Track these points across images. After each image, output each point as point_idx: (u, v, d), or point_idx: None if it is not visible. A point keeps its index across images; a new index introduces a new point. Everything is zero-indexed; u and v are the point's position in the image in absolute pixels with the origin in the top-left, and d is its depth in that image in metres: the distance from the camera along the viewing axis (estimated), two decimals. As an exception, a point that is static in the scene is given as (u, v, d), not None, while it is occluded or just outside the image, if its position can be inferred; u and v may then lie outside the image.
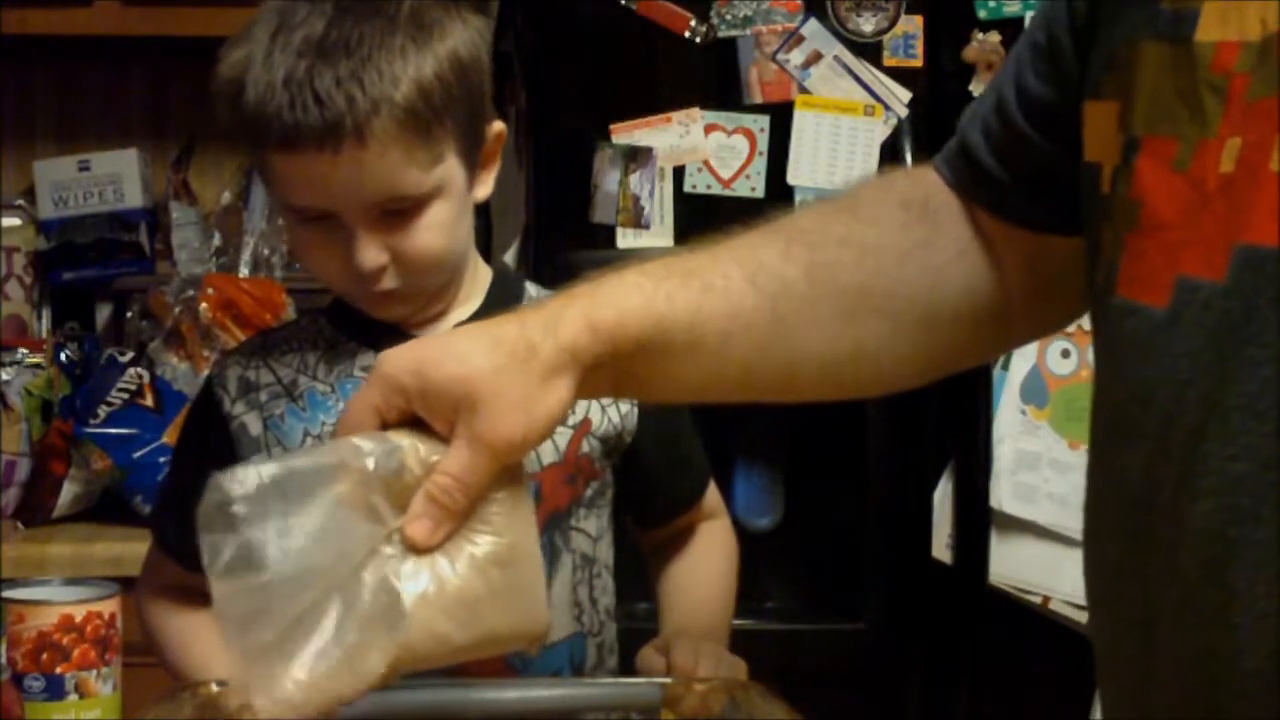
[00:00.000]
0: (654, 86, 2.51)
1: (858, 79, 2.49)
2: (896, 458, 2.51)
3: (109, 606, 1.33)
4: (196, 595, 1.46)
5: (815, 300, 1.08)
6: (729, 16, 2.48)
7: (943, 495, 2.48)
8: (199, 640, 1.44)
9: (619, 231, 2.47)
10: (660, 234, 2.47)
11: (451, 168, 1.35)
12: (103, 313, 2.84)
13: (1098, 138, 0.97)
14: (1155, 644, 0.91)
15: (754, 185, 2.49)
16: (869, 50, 2.49)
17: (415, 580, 1.00)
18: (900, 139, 2.48)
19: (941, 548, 2.49)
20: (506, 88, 2.46)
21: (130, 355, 2.54)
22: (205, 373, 1.67)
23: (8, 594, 1.33)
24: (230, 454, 1.40)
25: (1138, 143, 0.93)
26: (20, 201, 2.85)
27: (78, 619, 1.31)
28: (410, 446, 1.01)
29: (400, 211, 1.33)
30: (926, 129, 2.49)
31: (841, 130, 2.49)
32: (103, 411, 2.45)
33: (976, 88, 2.49)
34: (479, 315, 1.43)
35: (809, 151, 2.48)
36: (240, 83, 1.31)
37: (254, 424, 1.40)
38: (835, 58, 2.49)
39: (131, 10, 2.64)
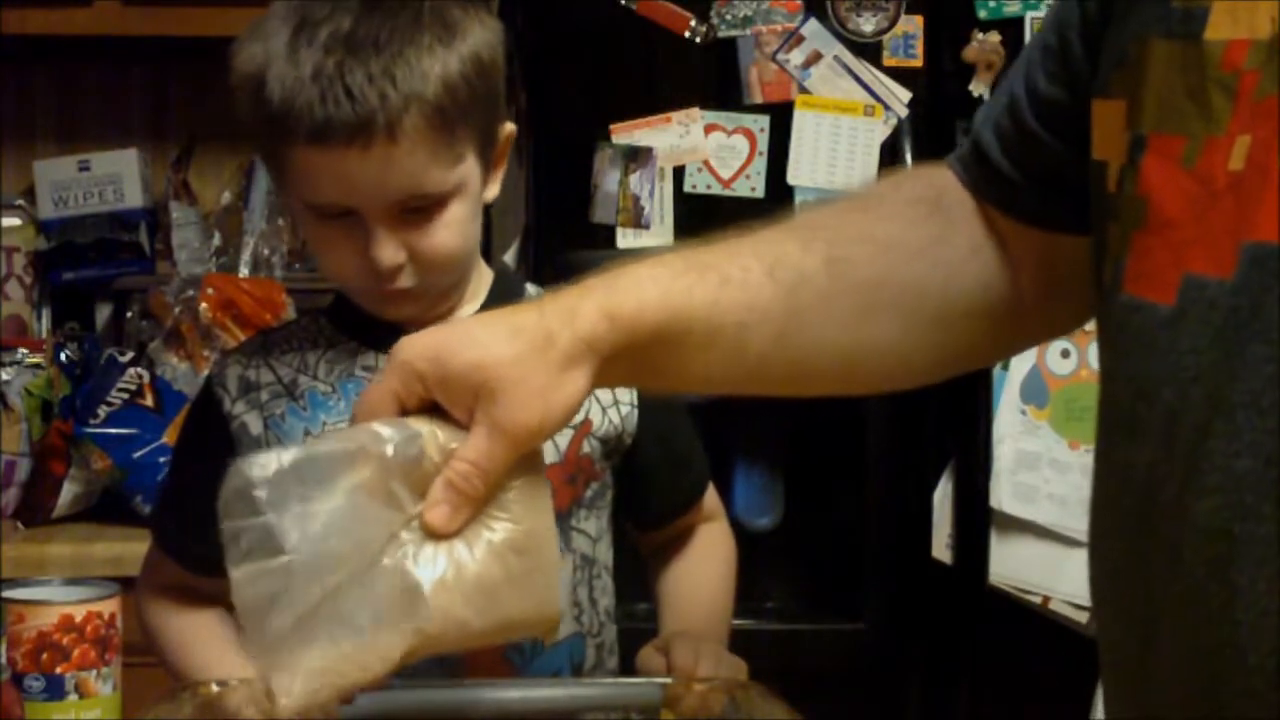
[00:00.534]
0: (654, 86, 2.51)
1: (858, 79, 2.49)
2: (896, 458, 2.51)
3: (109, 606, 1.33)
4: (196, 595, 1.46)
5: (832, 294, 1.08)
6: (729, 16, 2.48)
7: (943, 495, 2.49)
8: (199, 640, 1.44)
9: (619, 231, 2.47)
10: (660, 234, 2.47)
11: (470, 167, 1.35)
12: (103, 313, 2.84)
13: (1105, 136, 0.98)
14: (1158, 641, 0.92)
15: (754, 185, 2.49)
16: (869, 50, 2.49)
17: (433, 566, 1.01)
18: (900, 139, 2.48)
19: (941, 548, 2.49)
20: (507, 88, 2.46)
21: (130, 355, 2.54)
22: (205, 373, 1.67)
23: (8, 594, 1.33)
24: (231, 453, 1.39)
25: (1145, 141, 0.93)
26: (20, 201, 2.84)
27: (78, 619, 1.31)
28: (429, 433, 1.01)
29: (420, 210, 1.33)
30: (926, 129, 2.49)
31: (841, 130, 2.49)
32: (103, 411, 2.45)
33: (976, 88, 2.50)
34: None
35: (809, 151, 2.48)
36: (261, 77, 1.31)
37: (254, 423, 1.40)
38: (835, 58, 2.49)
39: (131, 10, 2.64)
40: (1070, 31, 1.03)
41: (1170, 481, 0.89)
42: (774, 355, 1.08)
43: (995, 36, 2.50)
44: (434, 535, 1.01)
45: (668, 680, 1.26)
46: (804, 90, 2.48)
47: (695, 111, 2.48)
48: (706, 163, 2.48)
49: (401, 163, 1.30)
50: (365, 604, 0.99)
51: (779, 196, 2.48)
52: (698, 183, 2.48)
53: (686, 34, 2.48)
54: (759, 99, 2.49)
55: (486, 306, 1.44)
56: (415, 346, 1.02)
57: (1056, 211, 1.06)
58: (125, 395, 2.46)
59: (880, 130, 2.49)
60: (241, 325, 2.51)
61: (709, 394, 1.13)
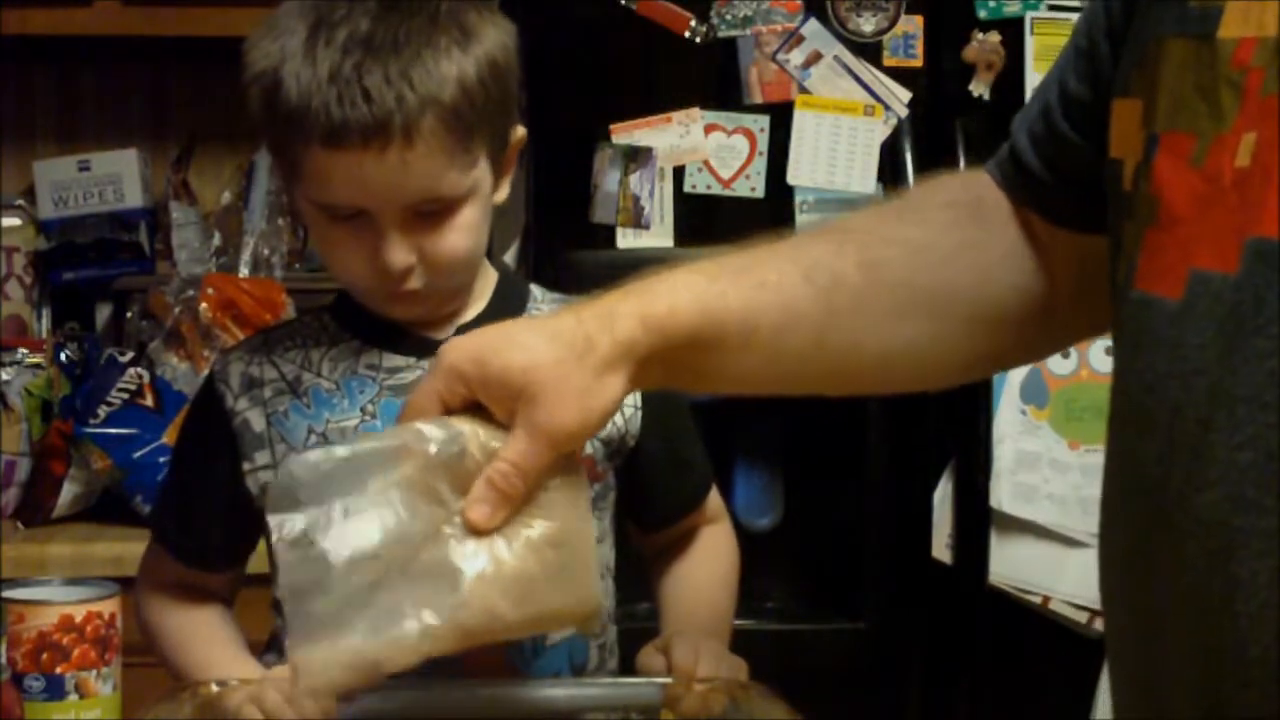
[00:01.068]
0: (654, 86, 2.51)
1: (858, 79, 2.49)
2: (896, 458, 2.51)
3: (109, 606, 1.33)
4: (195, 591, 1.46)
5: (867, 297, 1.10)
6: (729, 16, 2.48)
7: (943, 495, 2.49)
8: (198, 637, 1.44)
9: (619, 231, 2.48)
10: (660, 234, 2.47)
11: (483, 170, 1.36)
12: (103, 313, 2.84)
13: (1122, 134, 0.99)
14: (1165, 634, 0.92)
15: (754, 185, 2.49)
16: (869, 50, 2.49)
17: (474, 560, 1.04)
18: (900, 139, 2.48)
19: (941, 548, 2.49)
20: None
21: (130, 355, 2.54)
22: (205, 373, 1.66)
23: (8, 594, 1.33)
24: (232, 450, 1.40)
25: (1158, 140, 0.95)
26: (20, 201, 2.84)
27: (78, 619, 1.31)
28: (471, 432, 1.05)
29: (432, 213, 1.33)
30: (926, 129, 2.49)
31: (841, 130, 2.49)
32: (103, 411, 2.45)
33: (976, 88, 2.50)
34: (485, 316, 1.43)
35: (809, 151, 2.48)
36: (276, 76, 1.31)
37: (257, 420, 1.40)
38: (835, 58, 2.49)
39: (131, 10, 2.64)
40: (1098, 33, 1.05)
41: (1174, 475, 0.90)
42: (811, 357, 1.10)
43: (995, 36, 2.50)
44: (475, 531, 1.05)
45: (668, 680, 1.26)
46: (804, 90, 2.48)
47: (695, 111, 2.48)
48: (706, 163, 2.48)
49: (417, 166, 1.30)
50: (406, 595, 1.03)
51: (779, 196, 2.49)
52: (698, 183, 2.48)
53: (686, 34, 2.48)
54: (759, 99, 2.49)
55: (490, 307, 1.44)
56: (459, 349, 1.07)
57: (1088, 213, 1.07)
58: (125, 395, 2.46)
59: (880, 130, 2.49)
60: (241, 325, 2.51)
61: (746, 394, 1.15)
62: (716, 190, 2.49)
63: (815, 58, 2.49)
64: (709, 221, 2.49)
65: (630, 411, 1.43)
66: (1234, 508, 0.87)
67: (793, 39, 2.48)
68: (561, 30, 2.48)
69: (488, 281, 1.45)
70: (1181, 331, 0.91)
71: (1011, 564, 2.46)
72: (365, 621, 1.03)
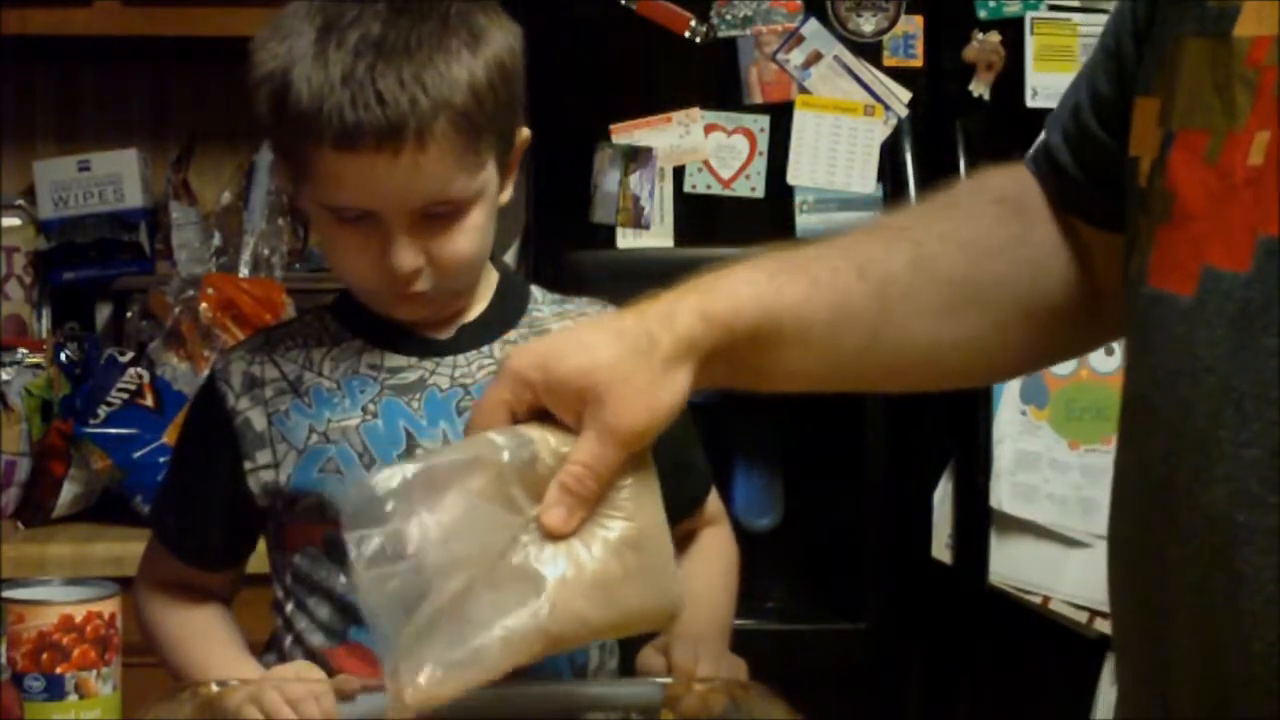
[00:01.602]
0: (654, 86, 2.51)
1: (858, 79, 2.49)
2: (896, 458, 2.51)
3: (109, 606, 1.33)
4: (195, 591, 1.46)
5: (919, 292, 1.11)
6: (729, 16, 2.48)
7: (943, 495, 2.48)
8: (197, 637, 1.44)
9: (619, 231, 2.47)
10: (660, 234, 2.47)
11: (491, 172, 1.36)
12: (103, 313, 2.84)
13: (1141, 132, 1.00)
14: (1172, 630, 0.93)
15: (754, 185, 2.49)
16: (869, 50, 2.49)
17: (553, 565, 1.05)
18: (900, 139, 2.48)
19: (941, 548, 2.49)
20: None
21: (130, 355, 2.54)
22: (205, 373, 1.67)
23: (8, 594, 1.33)
24: (234, 449, 1.40)
25: (1174, 137, 0.96)
26: (20, 201, 2.84)
27: (78, 619, 1.31)
28: (541, 438, 1.06)
29: (439, 215, 1.34)
30: (926, 129, 2.49)
31: (841, 130, 2.49)
32: (103, 411, 2.45)
33: (976, 88, 2.50)
34: (486, 316, 1.44)
35: (809, 151, 2.48)
36: (285, 77, 1.31)
37: (259, 419, 1.40)
38: (835, 58, 2.49)
39: (131, 10, 2.64)
40: (1124, 33, 1.06)
41: (1181, 470, 0.91)
42: (865, 353, 1.11)
43: (995, 36, 2.50)
44: (552, 536, 1.05)
45: (668, 680, 1.26)
46: (804, 90, 2.48)
47: (695, 111, 2.48)
48: (706, 163, 2.48)
49: (429, 169, 1.30)
50: (490, 604, 1.04)
51: (779, 196, 2.49)
52: (698, 183, 2.48)
53: (686, 34, 2.47)
54: (759, 99, 2.49)
55: (492, 307, 1.44)
56: (523, 355, 1.07)
57: (1120, 213, 1.08)
58: (125, 395, 2.46)
59: (880, 130, 2.49)
60: (241, 325, 2.51)
61: (811, 391, 1.16)
62: (716, 190, 2.48)
63: (815, 58, 2.49)
64: (709, 221, 2.49)
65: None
66: (1239, 504, 0.87)
67: (793, 39, 2.48)
68: (561, 30, 2.48)
69: (489, 282, 1.46)
70: (1192, 328, 0.91)
71: (1011, 564, 2.46)
72: (452, 633, 1.03)
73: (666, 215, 2.48)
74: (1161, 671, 0.94)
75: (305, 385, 1.41)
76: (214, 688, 1.24)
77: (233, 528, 1.44)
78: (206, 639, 1.44)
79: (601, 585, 1.06)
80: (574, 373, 1.04)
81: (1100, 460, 2.45)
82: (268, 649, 1.46)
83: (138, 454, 2.43)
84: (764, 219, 2.48)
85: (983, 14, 2.50)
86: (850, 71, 2.49)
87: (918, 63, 2.50)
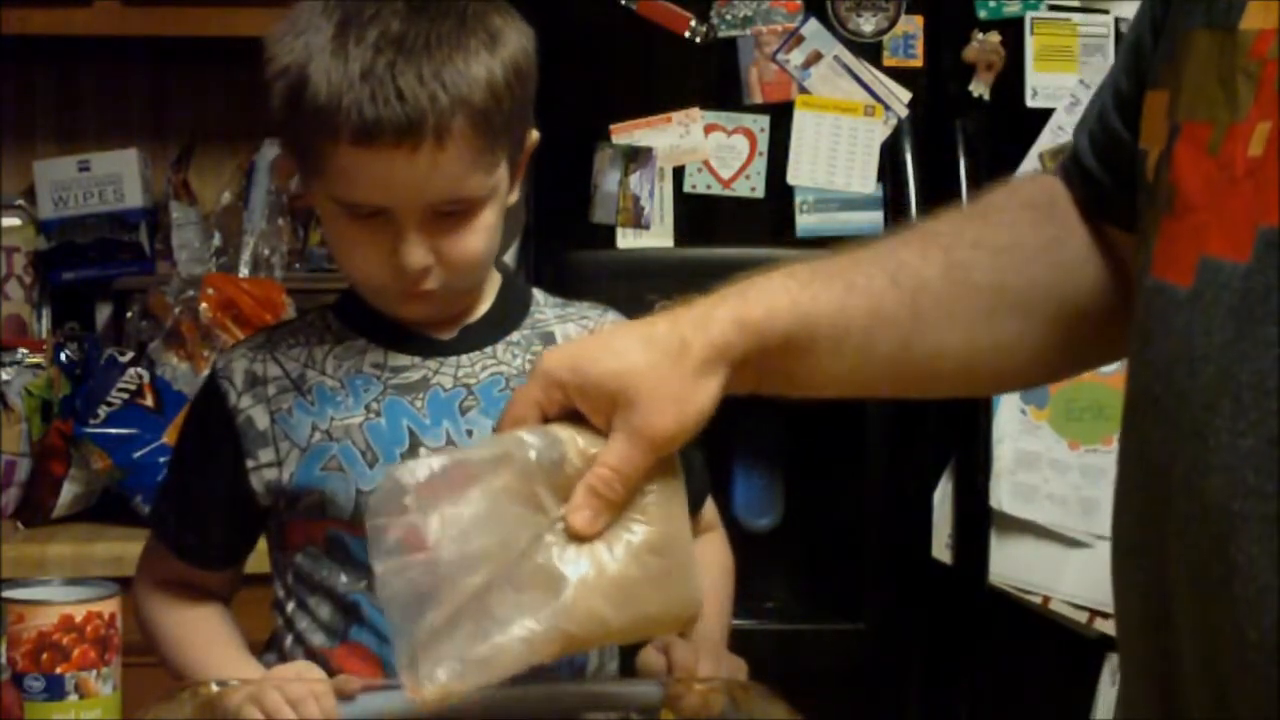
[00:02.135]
0: (654, 86, 2.51)
1: (858, 79, 2.49)
2: (896, 458, 2.51)
3: (109, 606, 1.33)
4: (195, 590, 1.46)
5: (953, 299, 1.11)
6: (729, 16, 2.48)
7: (943, 495, 2.49)
8: (197, 636, 1.44)
9: (619, 231, 2.47)
10: (660, 234, 2.47)
11: (503, 173, 1.37)
12: (103, 313, 2.84)
13: (1150, 125, 1.01)
14: (1174, 619, 0.93)
15: (754, 185, 2.49)
16: (869, 50, 2.49)
17: (576, 566, 1.06)
18: (900, 139, 2.48)
19: (941, 548, 2.49)
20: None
21: (130, 355, 2.54)
22: (205, 373, 1.66)
23: (8, 594, 1.33)
24: (235, 448, 1.40)
25: (1179, 129, 0.96)
26: (20, 201, 2.84)
27: (78, 619, 1.31)
28: (570, 439, 1.07)
29: (451, 213, 1.34)
30: (926, 129, 2.49)
31: (841, 130, 2.49)
32: (103, 411, 2.45)
33: (976, 88, 2.50)
34: (490, 317, 1.44)
35: (809, 151, 2.48)
36: (302, 73, 1.31)
37: (261, 417, 1.40)
38: (835, 58, 2.49)
39: (131, 10, 2.64)
40: (1144, 28, 1.07)
41: (1179, 459, 0.92)
42: (900, 359, 1.12)
43: (995, 36, 2.50)
44: (577, 537, 1.06)
45: (668, 680, 1.26)
46: (804, 90, 2.48)
47: (695, 111, 2.48)
48: (706, 163, 2.48)
49: (445, 167, 1.31)
50: (511, 601, 1.05)
51: (779, 196, 2.48)
52: (698, 183, 2.48)
53: (686, 34, 2.47)
54: (759, 99, 2.49)
55: (495, 309, 1.45)
56: (556, 357, 1.08)
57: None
58: (125, 395, 2.46)
59: (880, 130, 2.49)
60: (241, 325, 2.51)
61: (842, 396, 1.17)
62: (716, 190, 2.48)
63: (815, 58, 2.49)
64: (709, 221, 2.49)
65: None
66: (1235, 493, 0.88)
67: (793, 39, 2.48)
68: (561, 30, 2.48)
69: (493, 283, 1.46)
70: (1190, 318, 0.92)
71: (1011, 564, 2.46)
72: (472, 628, 1.04)
73: (666, 215, 2.47)
74: (1163, 660, 0.95)
75: (308, 383, 1.41)
76: (214, 688, 1.24)
77: (233, 526, 1.44)
78: (206, 638, 1.44)
79: (622, 588, 1.06)
80: (607, 376, 1.05)
81: (1100, 460, 2.45)
82: (268, 648, 1.46)
83: (138, 454, 2.43)
84: (764, 219, 2.48)
85: (983, 14, 2.50)
86: (850, 71, 2.49)
87: (918, 63, 2.50)
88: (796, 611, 2.58)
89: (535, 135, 1.44)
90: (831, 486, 2.58)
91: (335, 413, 1.39)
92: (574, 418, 1.08)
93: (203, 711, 1.20)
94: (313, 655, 1.39)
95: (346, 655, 1.38)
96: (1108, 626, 2.39)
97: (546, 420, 1.08)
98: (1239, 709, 0.89)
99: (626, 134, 2.47)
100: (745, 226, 2.47)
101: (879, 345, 1.10)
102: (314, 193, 1.38)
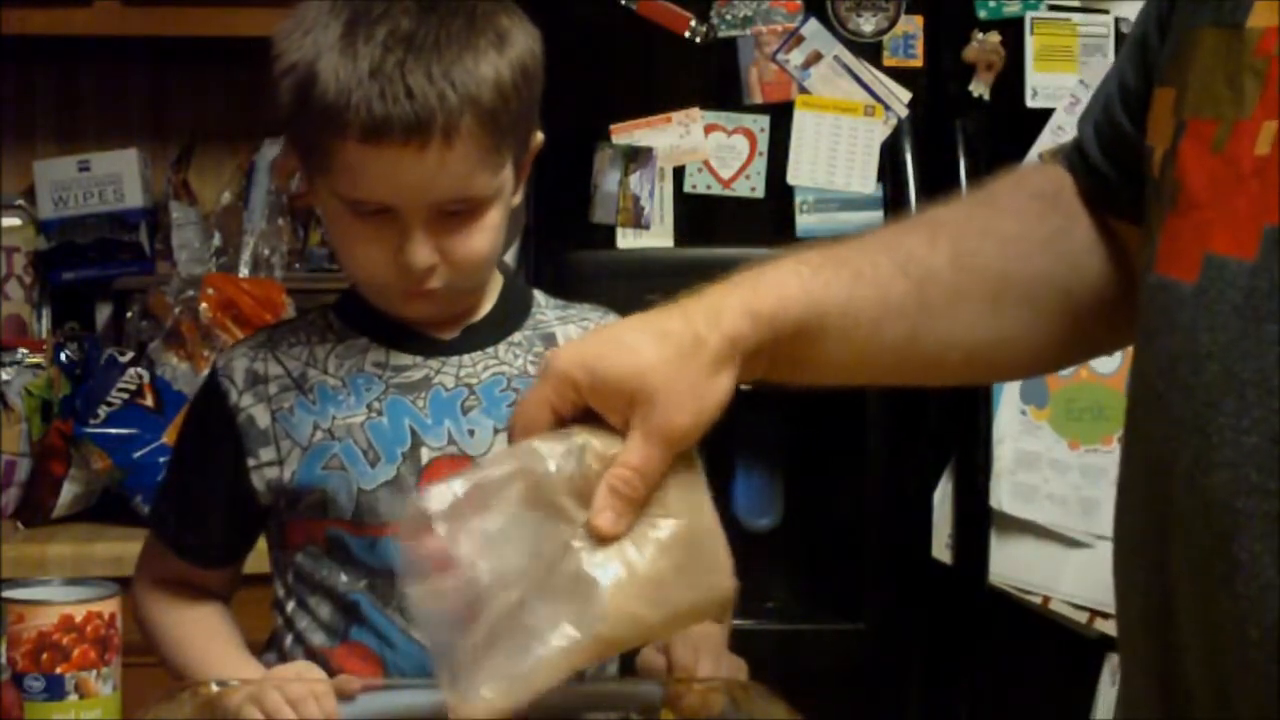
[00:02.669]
0: (654, 86, 2.51)
1: (858, 79, 2.49)
2: (896, 458, 2.51)
3: (109, 606, 1.33)
4: (194, 589, 1.46)
5: (961, 288, 1.12)
6: (729, 16, 2.48)
7: (943, 495, 2.48)
8: (197, 635, 1.44)
9: (619, 231, 2.47)
10: (660, 234, 2.47)
11: (509, 173, 1.38)
12: (103, 313, 2.84)
13: (1157, 122, 1.01)
14: (1174, 614, 0.94)
15: (754, 185, 2.49)
16: (869, 50, 2.49)
17: (606, 569, 1.05)
18: (900, 139, 2.48)
19: (941, 548, 2.48)
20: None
21: (130, 355, 2.54)
22: (205, 373, 1.66)
23: (8, 594, 1.33)
24: (235, 446, 1.40)
25: (1185, 126, 0.96)
26: (20, 201, 2.84)
27: (78, 619, 1.31)
28: (586, 443, 1.06)
29: (457, 213, 1.35)
30: (926, 129, 2.49)
31: (841, 130, 2.49)
32: (103, 411, 2.45)
33: (976, 88, 2.50)
34: (492, 317, 1.45)
35: (809, 151, 2.48)
36: (310, 70, 1.31)
37: (262, 416, 1.40)
38: (835, 58, 2.49)
39: (131, 10, 2.64)
40: (1150, 24, 1.07)
41: (1182, 456, 0.92)
42: (906, 348, 1.12)
43: (995, 36, 2.50)
44: (601, 539, 1.05)
45: (668, 680, 1.26)
46: (804, 90, 2.48)
47: (695, 111, 2.48)
48: (706, 163, 2.48)
49: (453, 166, 1.31)
50: (547, 612, 1.05)
51: (779, 196, 2.48)
52: (698, 183, 2.48)
53: (686, 34, 2.47)
54: (759, 99, 2.49)
55: (497, 309, 1.45)
56: (569, 356, 1.07)
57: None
58: (125, 395, 2.46)
59: (880, 130, 2.49)
60: (241, 325, 2.51)
61: (849, 384, 1.17)
62: (716, 190, 2.48)
63: (815, 58, 2.49)
64: (709, 221, 2.49)
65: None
66: (1238, 490, 0.88)
67: (793, 39, 2.48)
68: (561, 30, 2.47)
69: (495, 284, 1.46)
70: (1194, 315, 0.92)
71: (1011, 564, 2.46)
72: (510, 644, 1.04)
73: (666, 215, 2.47)
74: (1164, 658, 0.95)
75: (309, 382, 1.41)
76: (214, 688, 1.24)
77: (234, 525, 1.44)
78: (206, 637, 1.44)
79: (655, 585, 1.06)
80: (622, 375, 1.04)
81: (1100, 460, 2.45)
82: (268, 648, 1.46)
83: (138, 454, 2.43)
84: (764, 219, 2.48)
85: (983, 14, 2.50)
86: (850, 71, 2.49)
87: (918, 63, 2.50)
88: (796, 611, 2.58)
89: (540, 136, 1.44)
90: (831, 486, 2.58)
91: (337, 411, 1.39)
92: (588, 416, 1.07)
93: (203, 711, 1.20)
94: (312, 655, 1.39)
95: (346, 655, 1.38)
96: (1108, 626, 2.39)
97: (559, 420, 1.08)
98: (1240, 707, 0.89)
99: (626, 134, 2.47)
100: (745, 226, 2.47)
101: (887, 335, 1.11)
102: (318, 191, 1.39)
